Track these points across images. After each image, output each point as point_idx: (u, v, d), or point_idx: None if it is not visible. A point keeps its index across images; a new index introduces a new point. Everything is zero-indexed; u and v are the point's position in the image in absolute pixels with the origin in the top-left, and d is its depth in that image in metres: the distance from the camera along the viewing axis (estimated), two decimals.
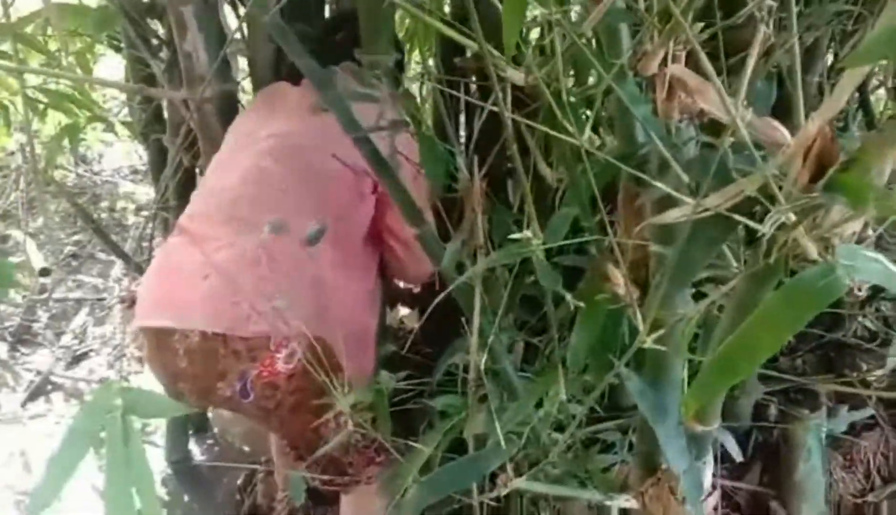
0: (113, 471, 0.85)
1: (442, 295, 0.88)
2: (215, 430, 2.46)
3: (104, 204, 4.36)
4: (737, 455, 1.15)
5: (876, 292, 1.62)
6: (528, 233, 0.75)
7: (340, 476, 1.36)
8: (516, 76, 0.67)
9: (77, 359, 2.92)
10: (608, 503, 0.94)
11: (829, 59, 1.37)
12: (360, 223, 1.40)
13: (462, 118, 1.84)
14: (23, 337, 3.03)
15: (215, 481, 2.27)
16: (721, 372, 0.52)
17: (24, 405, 2.65)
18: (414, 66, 2.12)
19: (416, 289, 2.29)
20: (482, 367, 1.00)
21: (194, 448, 2.40)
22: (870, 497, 1.48)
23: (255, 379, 1.21)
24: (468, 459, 0.88)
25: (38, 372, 2.79)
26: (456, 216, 1.46)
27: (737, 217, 0.64)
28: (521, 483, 0.83)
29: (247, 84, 1.92)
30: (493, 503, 1.18)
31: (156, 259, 1.41)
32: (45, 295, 3.21)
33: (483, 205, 1.20)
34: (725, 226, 0.66)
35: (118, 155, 4.81)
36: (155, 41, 1.86)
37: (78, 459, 0.86)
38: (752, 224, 0.64)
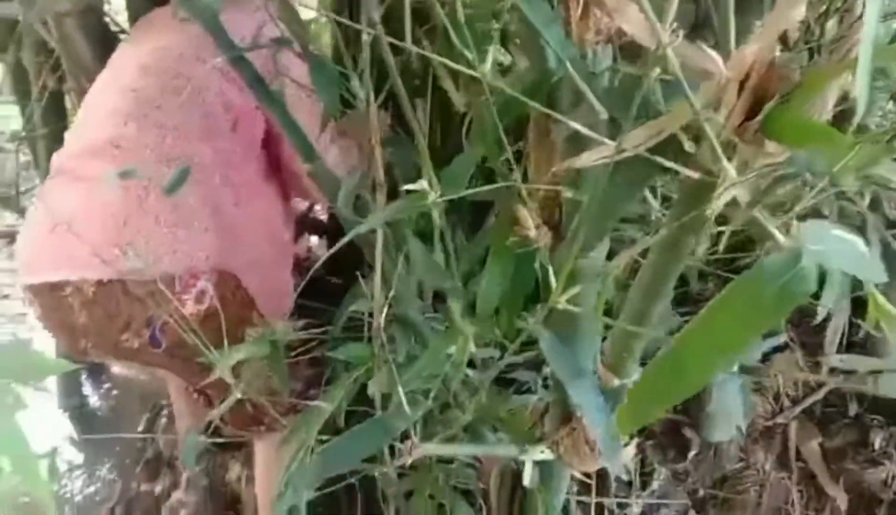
0: None
1: (340, 244, 0.78)
2: (114, 371, 2.32)
3: None
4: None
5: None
6: (424, 184, 0.64)
7: (256, 425, 1.28)
8: None
9: None
10: (523, 457, 0.88)
11: None
12: (252, 134, 1.26)
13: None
14: None
15: (114, 427, 2.15)
16: (657, 392, 0.44)
17: None
18: None
19: (323, 216, 2.17)
20: (382, 318, 0.91)
21: (91, 392, 2.26)
22: (779, 419, 1.50)
23: (165, 325, 1.09)
24: (371, 424, 0.80)
25: None
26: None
27: (660, 160, 0.55)
28: (429, 448, 0.76)
29: None
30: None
31: (35, 205, 1.24)
32: None
33: (384, 133, 1.08)
34: (648, 168, 0.57)
35: None
36: None
37: None
38: (679, 168, 0.55)
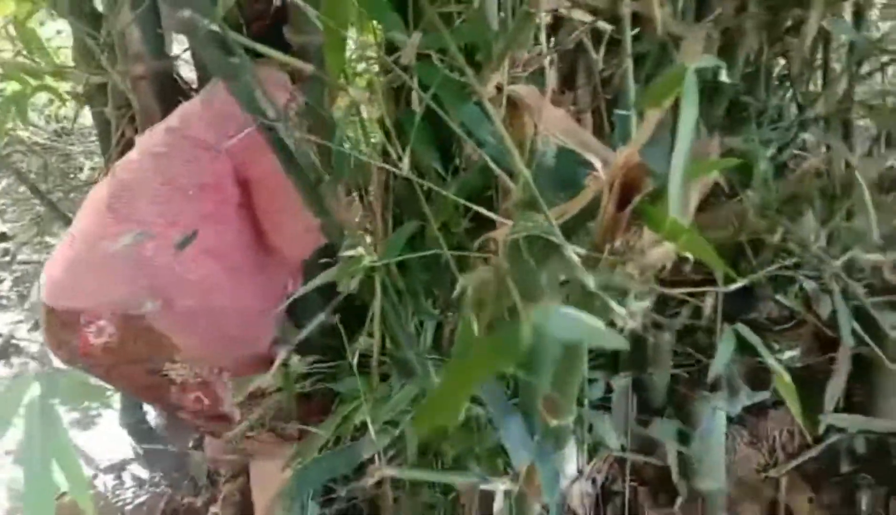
0: (29, 452, 0.90)
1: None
2: None
3: (78, 162, 4.34)
4: (613, 441, 1.21)
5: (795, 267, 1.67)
6: (360, 250, 0.78)
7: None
8: (358, 95, 0.70)
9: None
10: (487, 486, 0.99)
11: None
12: (212, 206, 1.40)
13: None
14: None
15: (170, 441, 2.34)
16: (432, 413, 0.57)
17: None
18: None
19: None
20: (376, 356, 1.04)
21: (149, 410, 2.46)
22: (772, 473, 1.54)
23: (75, 349, 1.32)
24: (341, 450, 0.93)
25: (1, 335, 2.84)
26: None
27: (555, 239, 0.68)
28: (389, 471, 0.88)
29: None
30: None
31: None
32: (7, 258, 3.24)
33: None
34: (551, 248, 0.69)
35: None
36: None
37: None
38: (567, 245, 0.67)
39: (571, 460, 0.96)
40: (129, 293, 1.33)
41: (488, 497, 1.17)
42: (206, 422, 1.47)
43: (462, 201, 0.69)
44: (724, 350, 1.02)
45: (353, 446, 0.95)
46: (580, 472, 0.96)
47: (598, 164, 0.66)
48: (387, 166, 0.68)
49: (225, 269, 1.42)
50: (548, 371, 0.78)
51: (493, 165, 0.69)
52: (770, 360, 0.80)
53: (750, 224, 1.38)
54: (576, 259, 0.58)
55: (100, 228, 1.34)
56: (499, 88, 0.71)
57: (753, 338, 0.92)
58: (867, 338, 1.45)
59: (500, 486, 0.99)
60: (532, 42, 0.77)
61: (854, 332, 1.52)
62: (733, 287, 1.04)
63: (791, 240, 1.60)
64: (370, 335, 1.25)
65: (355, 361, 1.05)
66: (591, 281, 0.57)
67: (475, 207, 0.69)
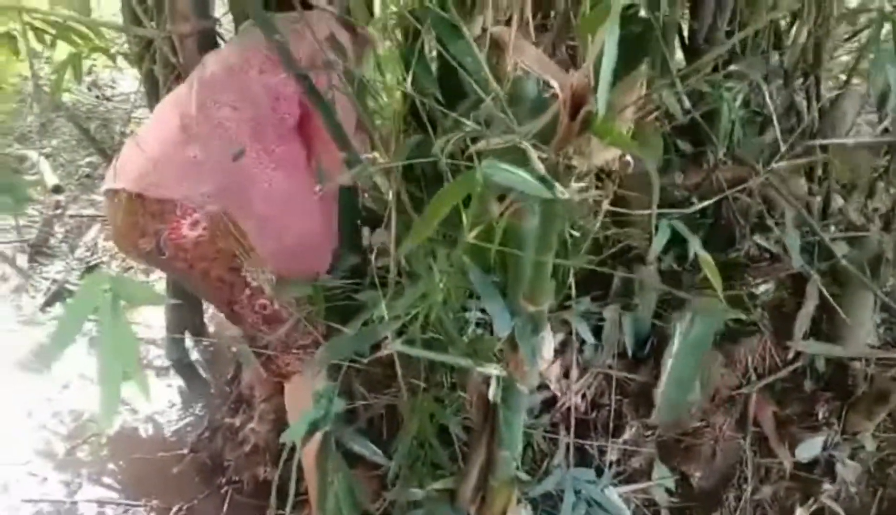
0: (105, 338, 1.09)
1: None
2: (211, 331, 2.76)
3: (117, 128, 4.60)
4: (588, 337, 1.40)
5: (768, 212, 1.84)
6: (375, 154, 0.98)
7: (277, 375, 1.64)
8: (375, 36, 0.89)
9: (89, 269, 3.22)
10: (481, 370, 1.19)
11: None
12: (286, 117, 1.55)
13: None
14: (41, 250, 3.33)
15: (210, 376, 2.59)
16: (420, 231, 0.77)
17: (42, 309, 2.98)
18: None
19: None
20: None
21: (193, 349, 2.70)
22: (743, 390, 1.73)
23: (167, 239, 1.44)
24: (362, 331, 1.14)
25: (55, 281, 3.10)
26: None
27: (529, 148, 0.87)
28: (397, 346, 1.08)
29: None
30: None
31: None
32: (59, 211, 3.49)
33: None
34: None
35: (129, 80, 5.01)
36: None
37: (78, 327, 1.10)
38: (534, 153, 0.86)
39: (549, 345, 1.15)
40: (215, 190, 1.45)
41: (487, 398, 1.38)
42: (263, 328, 1.58)
43: (455, 116, 0.88)
44: (659, 239, 1.20)
45: (373, 327, 1.15)
46: (555, 354, 1.15)
47: (557, 87, 0.84)
48: (397, 87, 0.87)
49: (290, 186, 1.56)
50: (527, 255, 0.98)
51: (476, 88, 0.88)
52: (697, 248, 0.98)
53: (724, 168, 1.56)
54: (537, 160, 0.77)
55: (183, 131, 1.48)
56: (484, 29, 0.90)
57: (685, 232, 1.10)
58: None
59: (493, 371, 1.20)
60: None
61: (821, 271, 1.70)
62: (693, 209, 1.22)
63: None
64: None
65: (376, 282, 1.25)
66: (540, 165, 0.77)
67: (467, 122, 0.88)
